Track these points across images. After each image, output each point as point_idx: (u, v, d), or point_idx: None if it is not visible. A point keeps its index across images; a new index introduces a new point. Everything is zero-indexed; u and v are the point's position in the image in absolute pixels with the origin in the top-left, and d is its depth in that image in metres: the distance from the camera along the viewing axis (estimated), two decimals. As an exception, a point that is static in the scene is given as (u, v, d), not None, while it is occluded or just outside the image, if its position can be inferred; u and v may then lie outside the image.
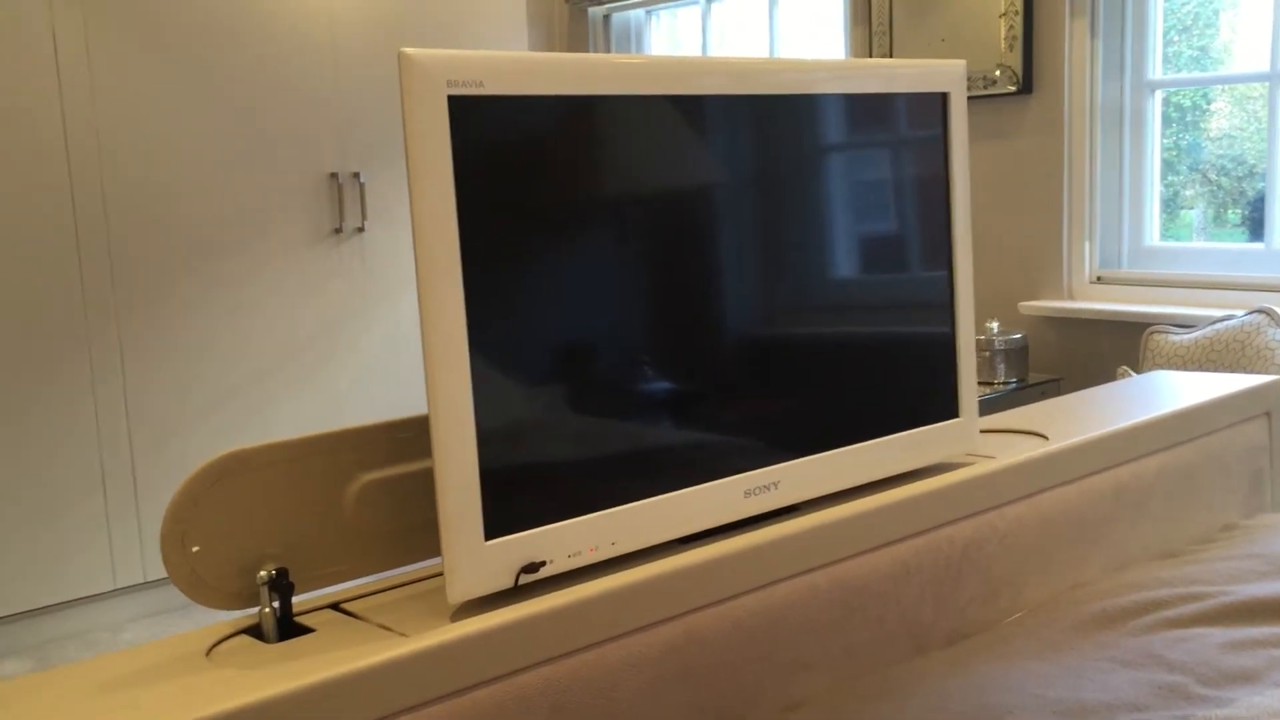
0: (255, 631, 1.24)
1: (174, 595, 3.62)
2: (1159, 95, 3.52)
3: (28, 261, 3.30)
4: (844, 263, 1.57)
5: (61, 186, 3.34)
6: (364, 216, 3.90)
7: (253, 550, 1.26)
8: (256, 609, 1.26)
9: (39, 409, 3.34)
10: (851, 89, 1.55)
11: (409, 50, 1.16)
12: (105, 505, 3.47)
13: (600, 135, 1.31)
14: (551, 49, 5.01)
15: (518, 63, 1.23)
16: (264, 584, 1.24)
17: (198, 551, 1.23)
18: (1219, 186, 3.48)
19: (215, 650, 1.19)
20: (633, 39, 4.99)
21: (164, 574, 3.52)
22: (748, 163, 1.45)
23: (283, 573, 1.25)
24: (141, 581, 3.55)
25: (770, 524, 1.45)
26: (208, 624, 1.25)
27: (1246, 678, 1.39)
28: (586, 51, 4.87)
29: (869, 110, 1.58)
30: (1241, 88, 3.39)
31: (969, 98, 3.70)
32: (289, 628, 1.25)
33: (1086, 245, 3.58)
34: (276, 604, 1.25)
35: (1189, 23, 3.48)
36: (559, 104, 1.27)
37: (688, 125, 1.39)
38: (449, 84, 1.18)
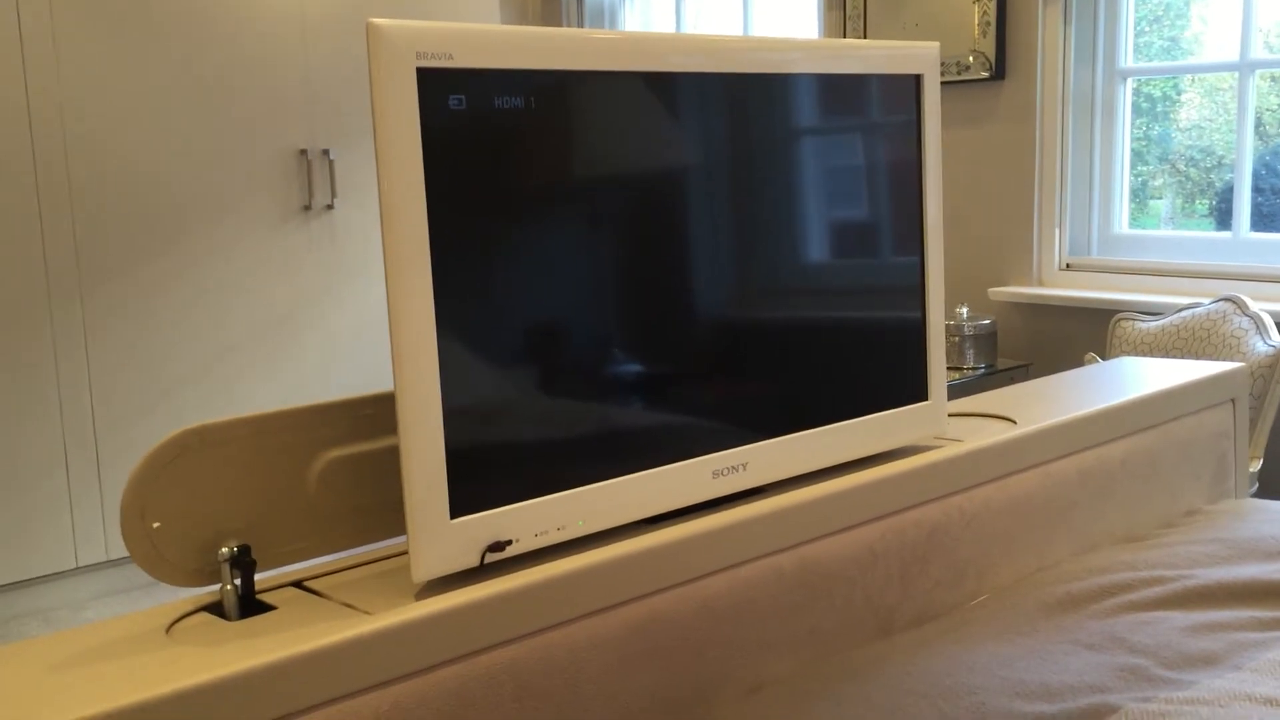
0: (216, 609, 1.23)
1: (137, 574, 3.58)
2: (1130, 84, 3.54)
3: (-11, 235, 3.25)
4: (815, 245, 1.57)
5: (25, 162, 3.29)
6: (333, 194, 3.86)
7: (214, 527, 1.24)
8: (218, 586, 1.24)
9: (0, 387, 3.29)
10: (825, 69, 1.54)
11: (377, 21, 1.14)
12: (68, 483, 3.43)
13: (572, 111, 1.29)
14: (525, 28, 4.97)
15: (489, 35, 1.22)
16: (225, 561, 1.23)
17: (158, 528, 1.21)
18: (1187, 177, 3.50)
19: (175, 627, 1.18)
20: (606, 20, 4.96)
21: (127, 552, 3.48)
22: (719, 142, 1.44)
23: (244, 550, 1.24)
24: (104, 560, 3.51)
25: (738, 505, 1.44)
26: (172, 602, 1.23)
27: (1208, 661, 1.40)
28: (560, 31, 4.83)
29: (842, 91, 1.57)
30: (1211, 79, 3.41)
31: (942, 83, 3.70)
32: (250, 605, 1.23)
33: (1056, 232, 3.59)
34: (238, 581, 1.23)
35: (1160, 13, 3.49)
36: (530, 78, 1.25)
37: (661, 103, 1.38)
38: (418, 56, 1.16)
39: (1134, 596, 1.56)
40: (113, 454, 3.50)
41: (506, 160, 1.24)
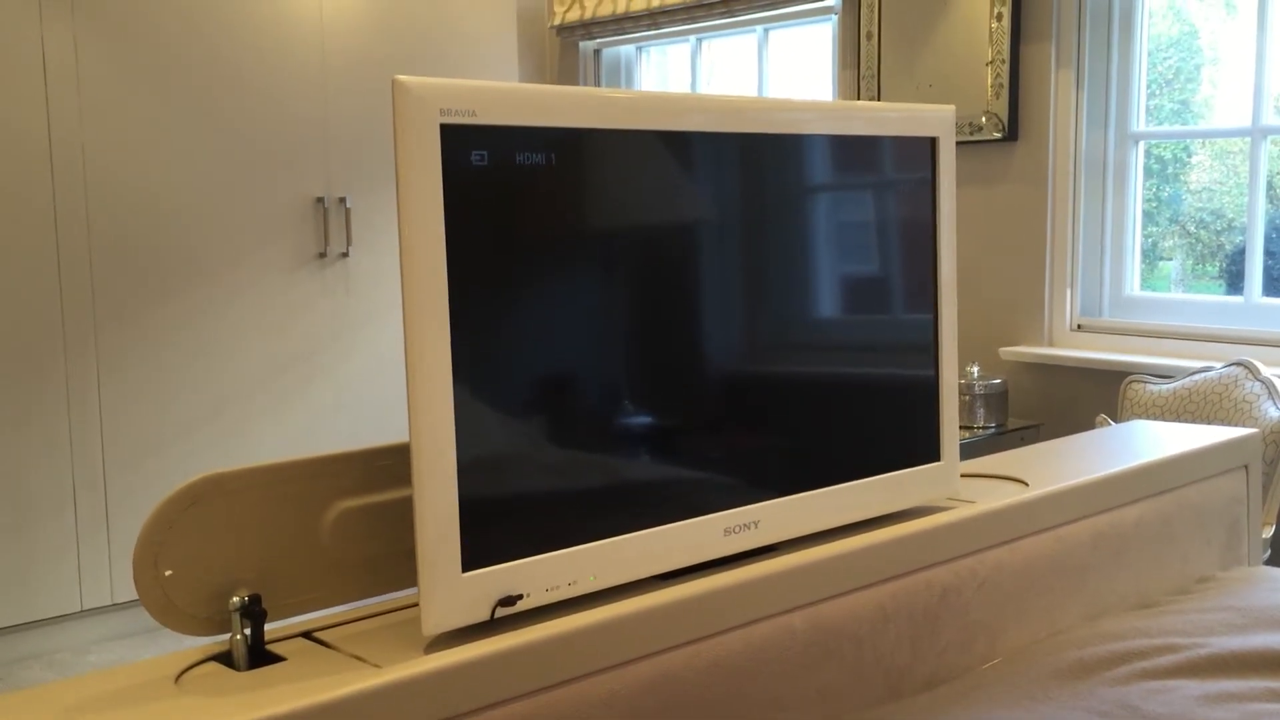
0: (225, 659, 1.23)
1: (141, 618, 3.57)
2: (1142, 147, 3.56)
3: (7, 277, 3.27)
4: (828, 303, 1.57)
5: (45, 203, 3.33)
6: (349, 241, 3.89)
7: (226, 576, 1.24)
8: (227, 635, 1.24)
9: (12, 425, 3.31)
10: (841, 130, 1.55)
11: (403, 78, 1.16)
12: (75, 525, 3.42)
13: (592, 168, 1.31)
14: (542, 81, 5.04)
15: (511, 94, 1.23)
16: (236, 610, 1.22)
17: (170, 575, 1.21)
18: (1197, 239, 3.51)
19: (184, 677, 1.18)
20: (623, 74, 5.02)
21: (132, 596, 3.47)
22: (736, 200, 1.45)
23: (255, 599, 1.24)
24: (109, 603, 3.50)
25: (749, 563, 1.44)
26: (174, 649, 1.23)
27: (1222, 731, 1.39)
28: (576, 85, 4.89)
29: (858, 152, 1.59)
30: (1221, 142, 3.44)
31: (955, 143, 3.73)
32: (260, 656, 1.23)
33: (1068, 293, 3.60)
34: (248, 631, 1.23)
35: (1170, 76, 3.52)
36: (552, 135, 1.27)
37: (678, 161, 1.39)
38: (442, 112, 1.18)
39: (1147, 664, 1.55)
40: (121, 496, 3.50)
41: (526, 215, 1.26)
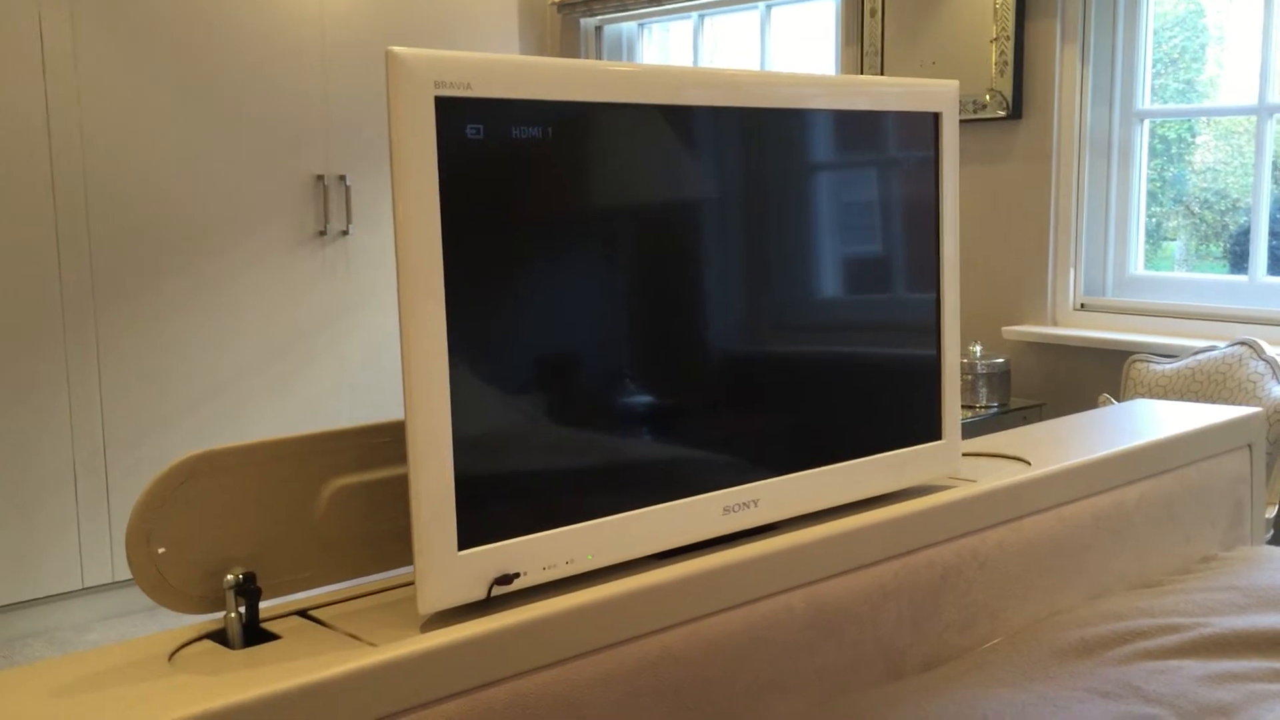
0: (220, 637, 1.22)
1: (142, 596, 3.57)
2: (1146, 125, 3.53)
3: (6, 257, 3.26)
4: (830, 281, 1.56)
5: (43, 182, 3.31)
6: (349, 219, 3.87)
7: (220, 553, 1.23)
8: (222, 614, 1.23)
9: (12, 404, 3.30)
10: (843, 105, 1.53)
11: (397, 49, 1.14)
12: (76, 504, 3.42)
13: (589, 142, 1.29)
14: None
15: (507, 66, 1.22)
16: (230, 588, 1.21)
17: (163, 553, 1.20)
18: (1201, 219, 3.49)
19: (178, 655, 1.17)
20: (624, 50, 4.99)
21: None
22: (736, 176, 1.43)
23: (250, 577, 1.23)
24: (110, 581, 3.50)
25: (748, 542, 1.43)
26: (174, 627, 1.22)
27: (1224, 711, 1.38)
28: (577, 62, 4.85)
29: (861, 128, 1.57)
30: (1226, 123, 3.41)
31: (959, 121, 3.70)
32: (255, 634, 1.22)
33: (1071, 272, 3.58)
34: (243, 609, 1.22)
35: (1175, 55, 3.49)
36: (548, 109, 1.25)
37: (676, 136, 1.37)
38: (436, 84, 1.16)
39: (1149, 644, 1.54)
40: (122, 475, 3.50)
41: (522, 190, 1.24)
